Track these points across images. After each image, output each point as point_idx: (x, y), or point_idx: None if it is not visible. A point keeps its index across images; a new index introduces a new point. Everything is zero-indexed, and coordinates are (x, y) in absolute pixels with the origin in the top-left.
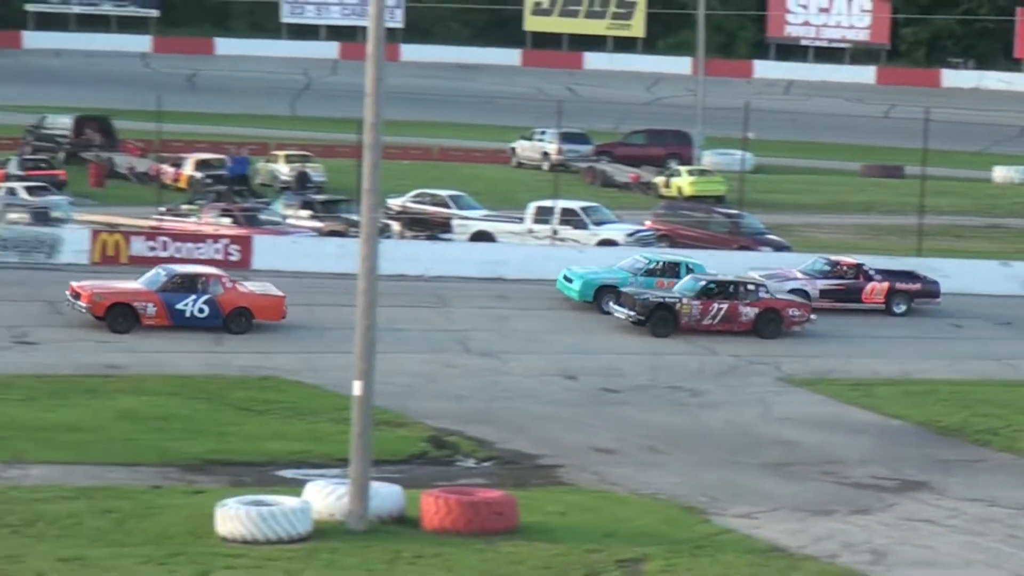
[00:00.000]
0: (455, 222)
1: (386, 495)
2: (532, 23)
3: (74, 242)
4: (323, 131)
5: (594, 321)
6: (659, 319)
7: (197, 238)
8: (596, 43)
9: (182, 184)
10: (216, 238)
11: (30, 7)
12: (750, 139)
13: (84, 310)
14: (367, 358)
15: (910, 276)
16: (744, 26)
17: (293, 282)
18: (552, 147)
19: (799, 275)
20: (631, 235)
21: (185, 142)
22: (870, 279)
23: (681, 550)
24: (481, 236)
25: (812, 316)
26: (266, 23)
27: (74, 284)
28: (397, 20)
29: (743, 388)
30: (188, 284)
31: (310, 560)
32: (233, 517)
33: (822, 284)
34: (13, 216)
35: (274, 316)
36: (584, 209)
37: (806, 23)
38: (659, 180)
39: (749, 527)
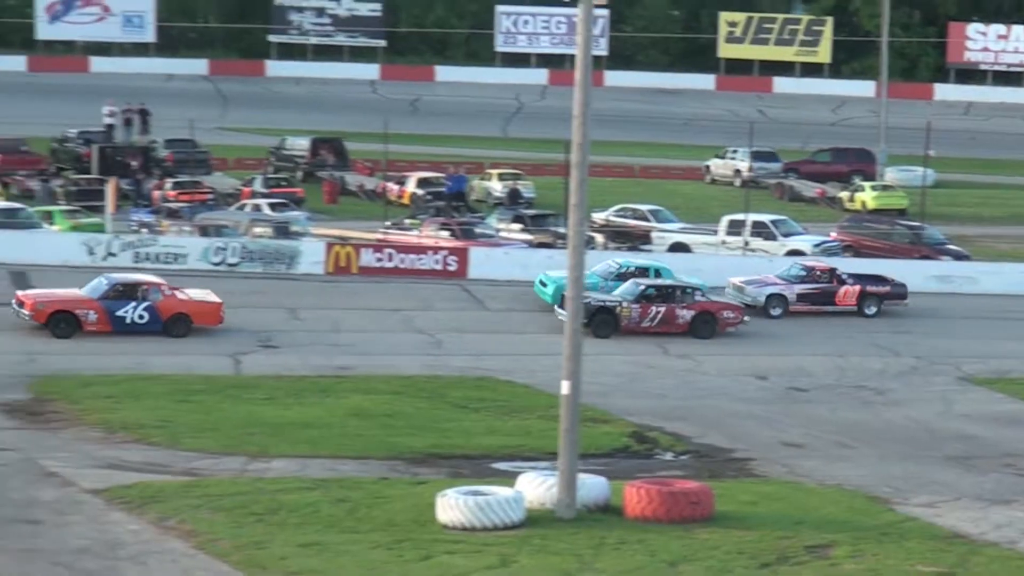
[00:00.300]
0: (654, 234)
1: (592, 486)
2: (726, 50)
3: (311, 254)
4: (533, 151)
5: (783, 324)
6: (600, 321)
7: (419, 250)
8: (785, 68)
9: (405, 200)
10: (436, 250)
11: (273, 39)
12: (931, 156)
13: (28, 317)
14: (574, 359)
15: (880, 280)
16: (926, 52)
17: (506, 290)
18: (744, 165)
19: (777, 280)
20: (817, 246)
21: (408, 162)
22: (843, 283)
23: (867, 536)
24: (678, 247)
25: (745, 318)
26: (482, 52)
27: (19, 293)
28: (602, 49)
29: (925, 387)
30: (129, 292)
31: (523, 546)
32: (453, 506)
33: (799, 288)
34: (258, 230)
35: (212, 321)
36: (773, 222)
37: (985, 49)
38: (844, 195)
39: (932, 515)
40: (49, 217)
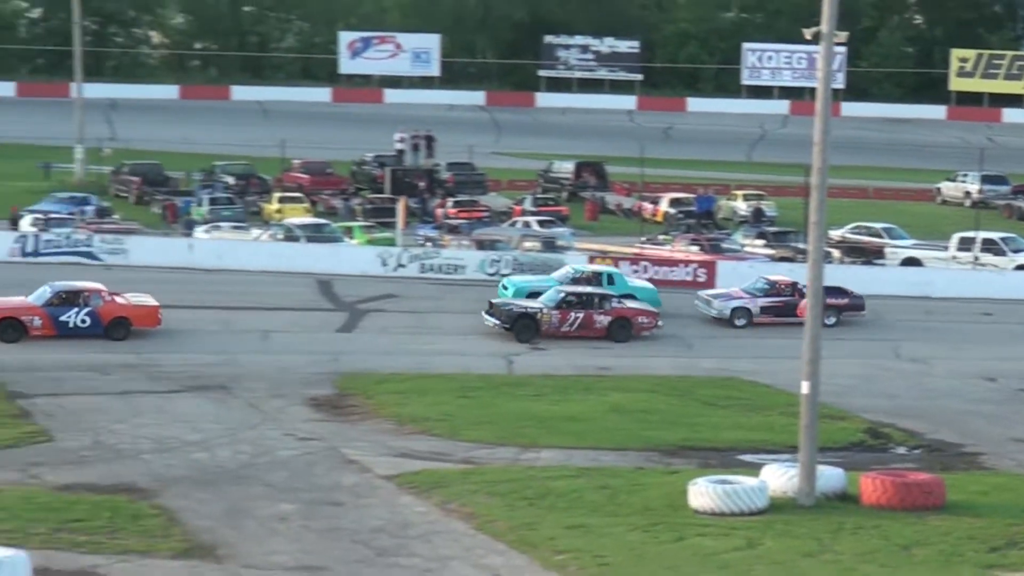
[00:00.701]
0: (888, 250)
1: (830, 476)
2: (956, 84)
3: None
4: (774, 174)
5: (1004, 330)
6: (522, 327)
7: (671, 263)
8: (1014, 100)
9: (659, 218)
10: (686, 263)
11: (542, 73)
12: None
13: None
14: (814, 362)
15: (839, 292)
16: None
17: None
18: (973, 187)
19: (743, 294)
20: None
21: (662, 183)
22: (804, 296)
23: None
24: (910, 262)
25: (659, 323)
26: (729, 85)
27: None
28: (839, 82)
29: None
30: (71, 298)
31: (767, 530)
32: (703, 493)
33: (762, 302)
34: (528, 244)
35: (150, 323)
36: (1003, 239)
37: None
38: None
39: None
40: (349, 232)
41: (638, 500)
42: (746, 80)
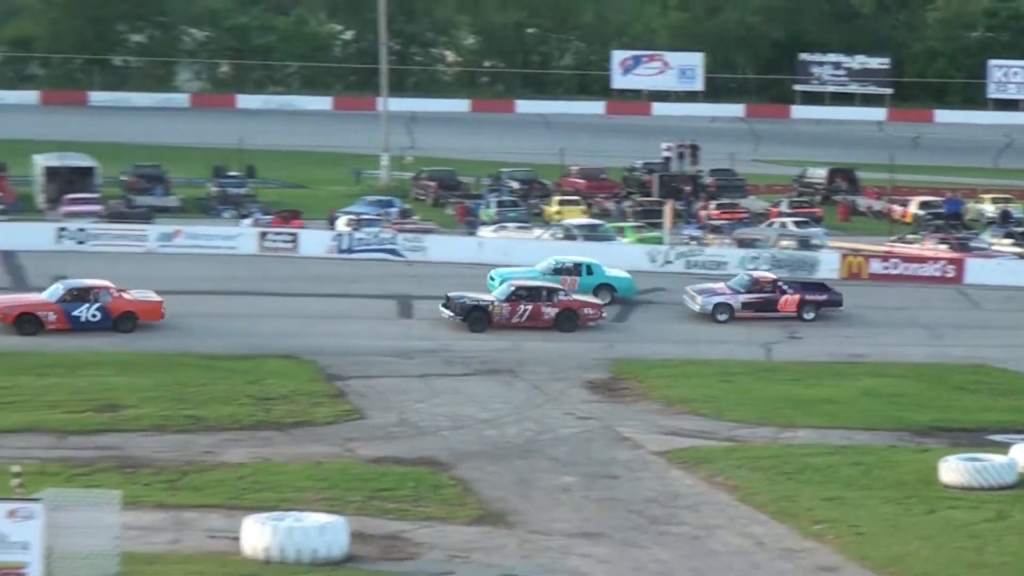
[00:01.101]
0: None
1: None
2: None
3: (828, 262)
4: (1021, 179)
5: None
6: (475, 318)
7: (920, 260)
8: None
9: (907, 219)
10: (935, 260)
11: (798, 88)
12: None
13: None
14: None
15: (818, 288)
16: None
17: (998, 293)
18: None
19: (726, 290)
20: None
21: (910, 188)
22: (784, 292)
23: None
24: None
25: (603, 315)
26: (976, 98)
27: None
28: None
29: None
30: (82, 295)
31: (1016, 503)
32: (953, 470)
33: (743, 298)
34: (784, 243)
35: (155, 317)
36: None
37: None
38: None
39: None
40: (621, 231)
41: (891, 475)
42: (992, 94)
